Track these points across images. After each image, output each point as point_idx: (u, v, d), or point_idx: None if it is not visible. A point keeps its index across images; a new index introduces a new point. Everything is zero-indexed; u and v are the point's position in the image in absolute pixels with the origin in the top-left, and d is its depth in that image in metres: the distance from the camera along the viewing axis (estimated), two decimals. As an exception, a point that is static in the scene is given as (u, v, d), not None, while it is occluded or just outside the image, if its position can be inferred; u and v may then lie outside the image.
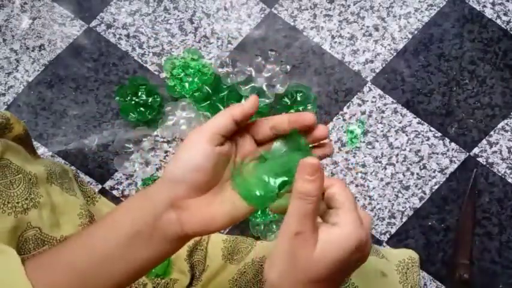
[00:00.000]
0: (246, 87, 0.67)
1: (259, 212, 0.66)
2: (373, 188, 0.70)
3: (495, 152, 0.70)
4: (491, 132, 0.70)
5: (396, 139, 0.70)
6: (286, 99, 0.69)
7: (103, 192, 0.70)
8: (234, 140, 0.40)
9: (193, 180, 0.37)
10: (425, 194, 0.70)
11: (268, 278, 0.33)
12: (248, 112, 0.38)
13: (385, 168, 0.70)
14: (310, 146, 0.41)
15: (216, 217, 0.37)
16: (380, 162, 0.70)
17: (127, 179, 0.70)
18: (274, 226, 0.67)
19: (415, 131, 0.70)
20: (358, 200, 0.70)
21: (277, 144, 0.40)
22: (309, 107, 0.68)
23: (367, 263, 0.55)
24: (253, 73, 0.68)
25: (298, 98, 0.69)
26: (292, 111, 0.69)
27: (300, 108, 0.69)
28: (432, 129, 0.70)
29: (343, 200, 0.34)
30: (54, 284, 0.35)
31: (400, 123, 0.70)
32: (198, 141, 0.37)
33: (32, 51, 0.72)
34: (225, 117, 0.38)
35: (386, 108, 0.70)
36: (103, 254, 0.36)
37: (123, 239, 0.36)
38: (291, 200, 0.33)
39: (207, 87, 0.69)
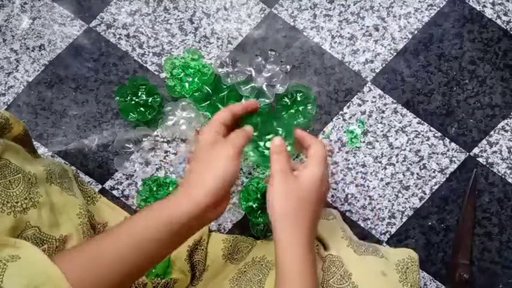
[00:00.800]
0: (246, 87, 0.67)
1: (259, 212, 0.67)
2: (373, 188, 0.70)
3: (495, 152, 0.70)
4: (491, 132, 0.70)
5: (396, 139, 0.70)
6: (286, 99, 0.69)
7: (103, 192, 0.70)
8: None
9: (228, 185, 0.47)
10: (425, 194, 0.70)
11: (275, 206, 0.48)
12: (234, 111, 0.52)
13: (385, 168, 0.70)
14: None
15: (226, 204, 0.50)
16: (380, 162, 0.70)
17: (127, 179, 0.70)
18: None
19: (415, 131, 0.70)
20: (358, 200, 0.70)
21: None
22: (309, 107, 0.68)
23: (366, 262, 0.55)
24: (253, 73, 0.68)
25: (298, 98, 0.69)
26: (292, 111, 0.69)
27: (300, 108, 0.69)
28: (432, 129, 0.70)
29: (313, 154, 0.51)
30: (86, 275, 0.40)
31: (400, 123, 0.70)
32: (227, 160, 0.46)
33: (32, 51, 0.72)
34: (219, 126, 0.50)
35: (387, 108, 0.70)
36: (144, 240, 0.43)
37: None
38: (271, 156, 0.51)
39: (207, 87, 0.69)
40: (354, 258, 0.55)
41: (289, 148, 0.55)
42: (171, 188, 0.69)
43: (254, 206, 0.67)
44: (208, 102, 0.69)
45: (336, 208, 0.70)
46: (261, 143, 0.58)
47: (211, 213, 0.46)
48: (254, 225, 0.68)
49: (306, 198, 0.48)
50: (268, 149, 0.57)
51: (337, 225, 0.62)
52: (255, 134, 0.56)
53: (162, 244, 0.44)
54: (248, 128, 0.53)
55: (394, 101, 0.70)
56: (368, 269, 0.54)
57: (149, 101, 0.69)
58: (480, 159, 0.70)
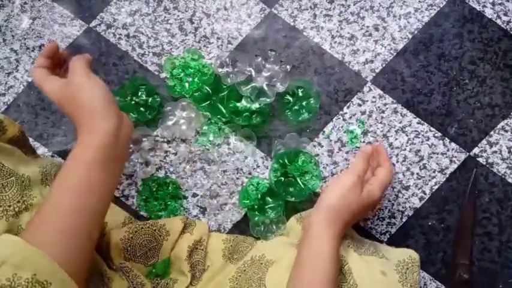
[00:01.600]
0: (246, 87, 0.67)
1: (257, 212, 0.67)
2: (373, 188, 0.70)
3: (495, 152, 0.70)
4: (491, 132, 0.70)
5: (396, 139, 0.70)
6: (288, 97, 0.69)
7: (103, 192, 0.70)
8: None
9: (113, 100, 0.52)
10: (425, 194, 0.70)
11: (329, 197, 0.56)
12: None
13: (385, 168, 0.70)
14: None
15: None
16: (380, 162, 0.70)
17: (127, 179, 0.70)
18: (274, 227, 0.67)
19: (415, 131, 0.70)
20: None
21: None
22: (312, 101, 0.68)
23: (366, 262, 0.55)
24: (253, 73, 0.68)
25: (300, 94, 0.69)
26: (296, 107, 0.69)
27: (303, 103, 0.69)
28: (432, 129, 0.70)
29: (382, 178, 0.60)
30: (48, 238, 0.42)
31: (400, 123, 0.70)
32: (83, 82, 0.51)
33: (32, 51, 0.72)
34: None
35: (386, 108, 0.70)
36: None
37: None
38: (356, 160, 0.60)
39: (207, 87, 0.69)
40: (354, 258, 0.56)
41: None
42: (170, 188, 0.69)
43: (253, 204, 0.67)
44: (208, 102, 0.69)
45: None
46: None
47: (118, 126, 0.50)
48: (254, 226, 0.68)
49: (354, 210, 0.55)
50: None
51: None
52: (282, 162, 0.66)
53: (100, 178, 0.47)
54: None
55: (394, 101, 0.70)
56: (368, 268, 0.54)
57: (149, 101, 0.69)
58: (480, 159, 0.70)
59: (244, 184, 0.69)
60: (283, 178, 0.66)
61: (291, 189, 0.66)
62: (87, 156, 0.47)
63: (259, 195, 0.67)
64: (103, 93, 0.50)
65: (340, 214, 0.55)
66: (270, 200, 0.67)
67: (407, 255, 0.59)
